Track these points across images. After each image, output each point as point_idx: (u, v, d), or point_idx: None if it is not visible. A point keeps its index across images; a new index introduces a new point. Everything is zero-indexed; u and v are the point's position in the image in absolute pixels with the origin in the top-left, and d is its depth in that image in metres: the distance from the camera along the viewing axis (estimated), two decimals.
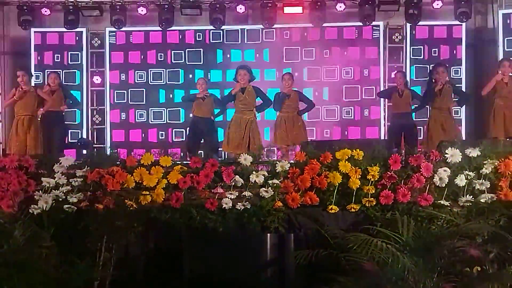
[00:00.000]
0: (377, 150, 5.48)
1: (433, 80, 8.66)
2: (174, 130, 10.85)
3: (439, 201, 5.27)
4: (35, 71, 10.52)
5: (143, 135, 10.87)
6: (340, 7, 10.46)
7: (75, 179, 5.39)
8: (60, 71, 10.31)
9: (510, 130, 8.08)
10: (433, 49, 10.63)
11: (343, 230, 5.01)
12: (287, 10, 10.64)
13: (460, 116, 10.23)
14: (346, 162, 5.35)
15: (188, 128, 9.53)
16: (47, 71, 10.07)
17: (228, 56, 10.83)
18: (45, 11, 10.61)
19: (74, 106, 9.95)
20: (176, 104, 10.77)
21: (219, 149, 8.99)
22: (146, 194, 5.35)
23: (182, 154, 9.00)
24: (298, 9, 10.59)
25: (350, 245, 4.58)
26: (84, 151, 9.18)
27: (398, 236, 4.69)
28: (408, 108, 9.06)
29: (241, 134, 8.53)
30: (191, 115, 9.29)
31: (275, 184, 5.37)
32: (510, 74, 8.21)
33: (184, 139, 10.33)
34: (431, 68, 9.31)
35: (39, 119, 8.54)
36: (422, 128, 9.13)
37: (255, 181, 5.37)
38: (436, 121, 8.59)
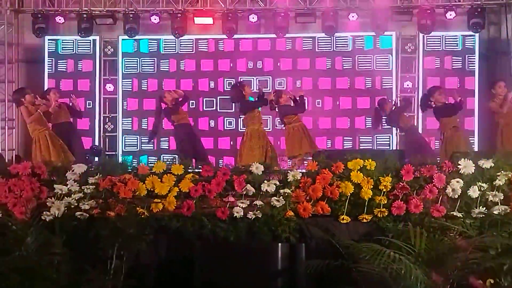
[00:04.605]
0: (389, 160, 5.45)
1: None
2: None
3: (451, 212, 5.25)
4: (48, 78, 10.58)
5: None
6: (353, 16, 10.41)
7: (87, 186, 5.42)
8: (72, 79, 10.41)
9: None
10: (446, 60, 10.58)
11: (355, 241, 4.97)
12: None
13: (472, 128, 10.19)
14: (358, 172, 5.34)
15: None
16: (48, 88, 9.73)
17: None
18: (59, 19, 10.66)
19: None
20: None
21: None
22: (157, 202, 5.36)
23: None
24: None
25: (362, 256, 4.55)
26: (97, 158, 9.18)
27: (411, 247, 4.65)
28: None
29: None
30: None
31: (286, 194, 5.36)
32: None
33: None
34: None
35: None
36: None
37: (266, 190, 5.37)
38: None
